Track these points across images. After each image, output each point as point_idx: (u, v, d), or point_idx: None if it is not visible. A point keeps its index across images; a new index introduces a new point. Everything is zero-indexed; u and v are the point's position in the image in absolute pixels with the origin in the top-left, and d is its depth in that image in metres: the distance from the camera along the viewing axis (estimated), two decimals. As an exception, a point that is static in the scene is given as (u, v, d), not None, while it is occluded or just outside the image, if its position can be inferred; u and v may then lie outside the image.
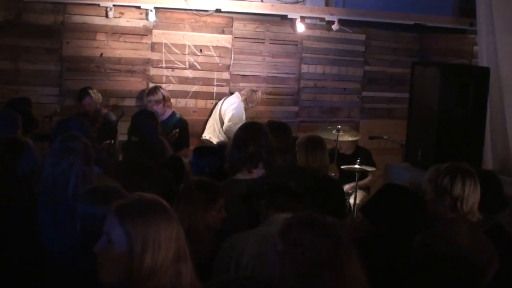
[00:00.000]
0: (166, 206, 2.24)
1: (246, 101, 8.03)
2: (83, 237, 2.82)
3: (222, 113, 7.89)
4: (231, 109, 7.82)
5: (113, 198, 2.69)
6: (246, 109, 8.05)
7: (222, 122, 7.85)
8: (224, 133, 7.69)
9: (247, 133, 4.06)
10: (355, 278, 2.25)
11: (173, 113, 7.37)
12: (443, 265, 3.18)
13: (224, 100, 8.05)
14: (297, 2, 8.59)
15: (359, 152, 7.45)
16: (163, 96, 7.31)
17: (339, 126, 6.99)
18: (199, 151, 4.93)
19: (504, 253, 3.65)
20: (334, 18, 8.66)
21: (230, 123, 7.68)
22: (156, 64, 8.00)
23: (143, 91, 7.87)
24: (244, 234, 3.15)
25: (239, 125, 7.20)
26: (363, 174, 7.25)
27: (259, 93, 8.19)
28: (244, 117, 7.90)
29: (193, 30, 8.15)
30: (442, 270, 3.17)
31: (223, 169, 4.24)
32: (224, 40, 8.33)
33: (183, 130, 7.13)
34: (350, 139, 7.30)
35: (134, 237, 2.13)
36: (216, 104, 8.19)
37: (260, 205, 3.29)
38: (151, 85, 7.81)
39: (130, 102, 7.87)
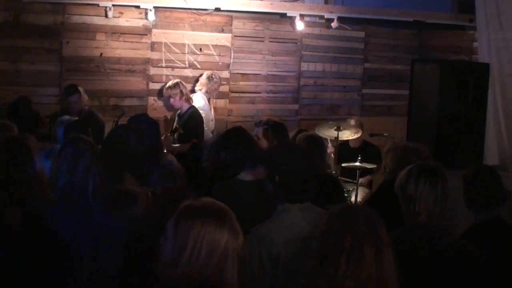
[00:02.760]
0: (226, 216, 2.27)
1: (208, 92, 7.88)
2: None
3: None
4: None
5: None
6: (209, 98, 7.96)
7: None
8: None
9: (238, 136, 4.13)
10: (379, 275, 2.31)
11: (190, 107, 7.43)
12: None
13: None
14: (296, 0, 8.60)
15: (366, 148, 7.45)
16: (181, 91, 7.38)
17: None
18: (193, 145, 5.01)
19: (506, 246, 3.67)
20: (333, 16, 8.67)
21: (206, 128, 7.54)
22: (156, 63, 8.01)
23: (143, 90, 7.90)
24: (269, 224, 3.16)
25: (207, 126, 7.39)
26: (365, 171, 7.26)
27: (216, 77, 7.96)
28: (211, 116, 7.92)
29: (193, 29, 8.15)
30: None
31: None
32: (224, 38, 8.33)
33: (195, 122, 7.27)
34: (351, 137, 7.32)
35: (177, 236, 2.22)
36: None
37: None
38: (152, 84, 7.89)
39: (130, 102, 7.88)
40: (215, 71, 8.08)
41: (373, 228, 2.36)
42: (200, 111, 7.53)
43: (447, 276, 3.04)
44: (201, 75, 8.03)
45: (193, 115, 7.33)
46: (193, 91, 7.98)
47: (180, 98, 7.38)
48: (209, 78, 7.89)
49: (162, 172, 3.70)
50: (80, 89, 7.04)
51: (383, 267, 2.31)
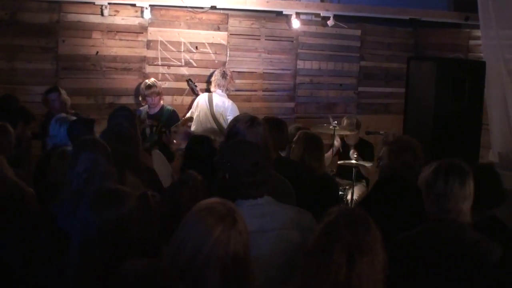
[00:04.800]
0: (222, 219, 2.18)
1: (228, 90, 7.79)
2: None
3: (217, 117, 7.63)
4: (231, 115, 7.45)
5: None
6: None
7: (217, 122, 7.63)
8: None
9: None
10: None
11: (163, 106, 7.45)
12: (418, 269, 3.07)
13: (209, 100, 7.71)
14: (292, -2, 8.60)
15: (362, 145, 7.47)
16: (158, 90, 7.42)
17: (336, 121, 7.00)
18: (194, 138, 4.96)
19: (502, 245, 3.66)
20: (330, 14, 8.67)
21: None
22: (152, 61, 8.00)
23: (139, 88, 7.88)
24: None
25: None
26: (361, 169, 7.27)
27: (229, 72, 7.89)
28: None
29: (189, 27, 8.14)
30: (418, 274, 3.06)
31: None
32: (220, 37, 8.33)
33: (176, 120, 7.30)
34: (347, 133, 7.35)
35: (177, 230, 2.22)
36: (192, 103, 7.93)
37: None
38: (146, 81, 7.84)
39: (126, 100, 7.85)
40: (211, 68, 8.08)
41: (353, 232, 2.30)
42: (232, 113, 7.46)
43: (469, 273, 3.07)
44: (211, 75, 7.99)
45: (173, 114, 7.34)
46: (208, 90, 7.97)
47: (160, 97, 7.41)
48: (223, 75, 7.78)
49: None
50: (62, 91, 6.99)
51: (356, 274, 2.25)
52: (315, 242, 2.33)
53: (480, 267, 3.08)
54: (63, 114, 5.81)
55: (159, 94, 7.41)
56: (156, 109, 7.39)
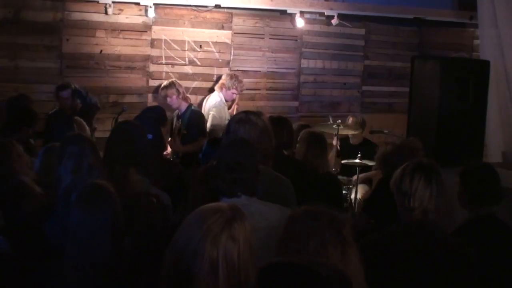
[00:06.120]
0: (216, 211, 2.10)
1: (230, 88, 7.69)
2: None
3: (206, 115, 7.58)
4: (212, 111, 7.47)
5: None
6: (232, 99, 7.86)
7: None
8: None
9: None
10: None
11: (189, 106, 7.36)
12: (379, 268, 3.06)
13: (207, 99, 7.81)
14: (296, -3, 8.60)
15: (366, 145, 7.46)
16: (177, 89, 7.31)
17: (339, 120, 7.00)
18: (212, 142, 4.96)
19: (499, 244, 3.66)
20: (334, 13, 8.66)
21: (210, 126, 7.34)
22: (155, 60, 8.00)
23: (143, 87, 7.90)
24: None
25: (219, 126, 7.12)
26: (364, 168, 7.26)
27: (233, 74, 7.87)
28: (227, 115, 7.51)
29: (193, 26, 8.14)
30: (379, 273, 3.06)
31: None
32: (224, 35, 8.33)
33: (197, 120, 7.18)
34: (351, 132, 7.34)
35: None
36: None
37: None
38: (151, 81, 7.86)
39: (130, 99, 7.87)
40: (215, 67, 8.08)
41: (338, 230, 2.30)
42: (213, 112, 7.39)
43: (439, 271, 3.05)
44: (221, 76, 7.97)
45: (194, 114, 7.23)
46: (212, 90, 7.93)
47: (177, 96, 7.28)
48: (230, 76, 7.76)
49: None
50: (74, 85, 7.03)
51: (349, 268, 2.24)
52: (299, 248, 2.28)
53: (451, 266, 3.08)
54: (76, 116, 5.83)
55: (175, 94, 7.28)
56: (183, 110, 7.29)
